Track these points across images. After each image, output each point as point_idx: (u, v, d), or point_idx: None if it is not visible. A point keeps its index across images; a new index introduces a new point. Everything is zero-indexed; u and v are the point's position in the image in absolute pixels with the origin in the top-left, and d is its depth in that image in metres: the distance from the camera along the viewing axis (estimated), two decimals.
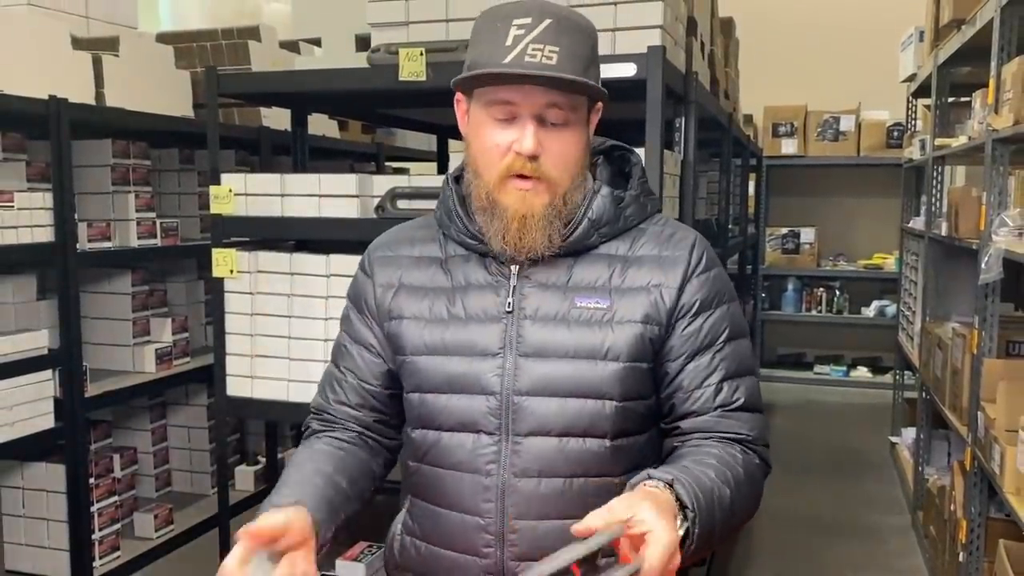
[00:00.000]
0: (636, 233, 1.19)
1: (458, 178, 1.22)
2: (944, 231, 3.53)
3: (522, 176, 1.11)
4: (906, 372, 4.93)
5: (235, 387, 2.49)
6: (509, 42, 1.07)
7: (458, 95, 1.18)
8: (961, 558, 2.80)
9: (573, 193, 1.15)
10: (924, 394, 3.92)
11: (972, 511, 2.72)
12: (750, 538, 3.79)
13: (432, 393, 1.17)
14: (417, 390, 1.19)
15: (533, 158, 1.10)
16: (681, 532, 0.96)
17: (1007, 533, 2.49)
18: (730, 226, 4.29)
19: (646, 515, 0.91)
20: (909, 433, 4.36)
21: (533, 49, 1.06)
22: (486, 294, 1.16)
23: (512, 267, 1.16)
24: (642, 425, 1.17)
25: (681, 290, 1.15)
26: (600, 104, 1.19)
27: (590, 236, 1.16)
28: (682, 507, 0.98)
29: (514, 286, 1.15)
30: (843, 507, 4.14)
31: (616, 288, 1.15)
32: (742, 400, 1.15)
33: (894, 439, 4.88)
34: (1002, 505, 2.49)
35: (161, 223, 3.52)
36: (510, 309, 1.14)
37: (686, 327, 1.15)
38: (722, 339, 1.16)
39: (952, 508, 3.06)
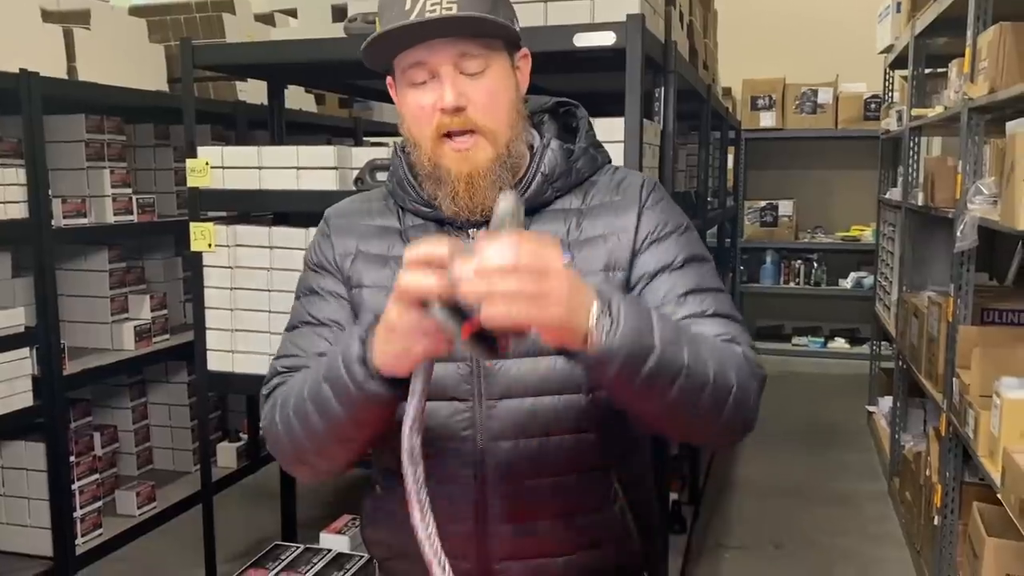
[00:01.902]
0: (587, 186, 1.19)
1: (406, 148, 1.19)
2: (920, 201, 3.56)
3: (455, 134, 1.09)
4: (883, 342, 4.99)
5: (215, 362, 2.48)
6: (408, 5, 1.05)
7: (388, 79, 1.17)
8: (936, 522, 2.85)
9: (516, 143, 1.13)
10: (900, 363, 3.97)
11: (947, 476, 2.76)
12: (728, 505, 3.84)
13: None
14: None
15: (458, 110, 1.07)
16: (596, 307, 0.89)
17: (981, 496, 2.54)
18: (709, 199, 4.30)
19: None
20: (886, 402, 4.42)
21: (432, 4, 1.04)
22: None
23: (471, 231, 1.15)
24: None
25: (637, 229, 1.15)
26: (526, 50, 1.17)
27: (544, 192, 1.15)
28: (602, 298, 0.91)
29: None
30: (820, 475, 4.20)
31: (575, 241, 1.14)
32: (712, 309, 1.11)
33: (871, 408, 4.95)
34: (976, 469, 2.53)
35: (137, 199, 3.48)
36: None
37: (642, 255, 1.14)
38: (678, 262, 1.13)
39: (928, 473, 3.11)
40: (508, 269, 0.82)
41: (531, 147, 1.17)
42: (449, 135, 1.09)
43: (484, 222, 1.13)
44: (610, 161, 1.25)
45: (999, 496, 2.11)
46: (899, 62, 4.51)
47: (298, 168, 2.32)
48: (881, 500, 3.90)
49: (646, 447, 1.27)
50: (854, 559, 3.32)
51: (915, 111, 3.87)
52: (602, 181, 1.19)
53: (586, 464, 1.14)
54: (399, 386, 0.93)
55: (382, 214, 1.22)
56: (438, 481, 1.13)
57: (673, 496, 3.34)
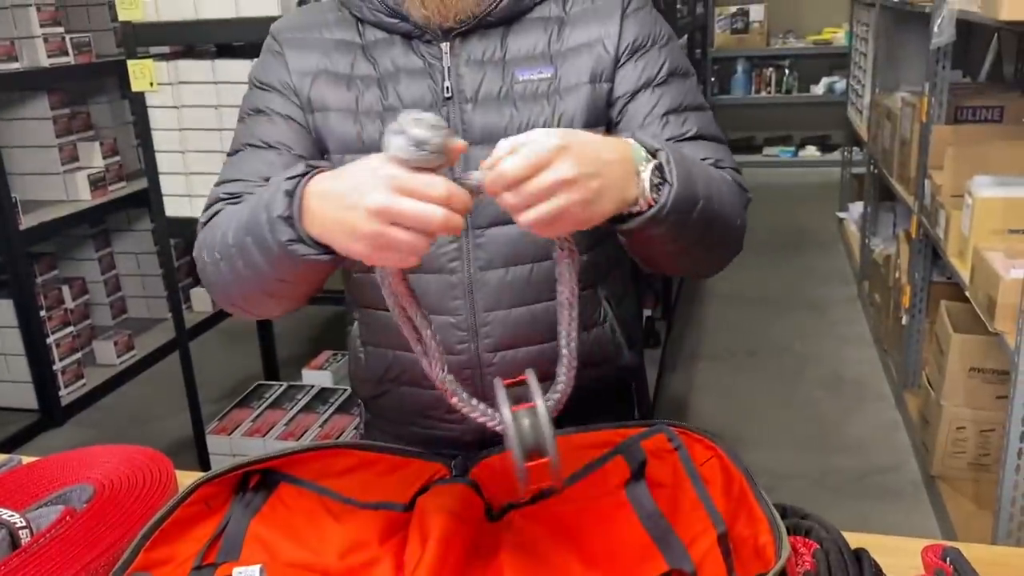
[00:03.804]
0: None
1: None
2: None
3: None
4: (854, 148, 4.96)
5: (173, 207, 2.41)
6: None
7: None
8: (904, 321, 2.93)
9: None
10: (872, 167, 3.95)
11: (916, 276, 2.81)
12: (701, 317, 3.92)
13: None
14: None
15: None
16: (651, 167, 0.84)
17: (948, 295, 2.59)
18: (678, 6, 4.11)
19: (530, 135, 0.78)
20: (856, 207, 4.44)
21: None
22: (420, 80, 1.06)
23: (443, 46, 1.06)
24: None
25: (620, 36, 1.08)
26: None
27: None
28: (651, 154, 0.86)
29: (448, 67, 1.05)
30: (791, 283, 4.28)
31: (557, 53, 1.06)
32: (694, 130, 1.07)
33: (841, 214, 4.98)
34: (944, 269, 2.57)
35: (71, 39, 3.27)
36: (449, 95, 1.05)
37: (624, 68, 1.08)
38: (661, 76, 1.08)
39: (896, 275, 3.16)
40: (557, 184, 0.76)
41: None
42: None
43: (460, 37, 1.05)
44: None
45: (967, 294, 2.14)
46: None
47: None
48: (850, 304, 4.00)
49: (628, 262, 1.25)
50: (824, 361, 3.44)
51: None
52: None
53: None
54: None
55: (339, 26, 1.10)
56: (430, 313, 1.10)
57: (647, 312, 3.39)
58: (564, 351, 0.86)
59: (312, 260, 0.84)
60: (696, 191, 0.87)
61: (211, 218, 1.03)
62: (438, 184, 0.74)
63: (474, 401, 0.88)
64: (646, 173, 0.83)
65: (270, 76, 1.11)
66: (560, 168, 0.75)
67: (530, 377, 0.82)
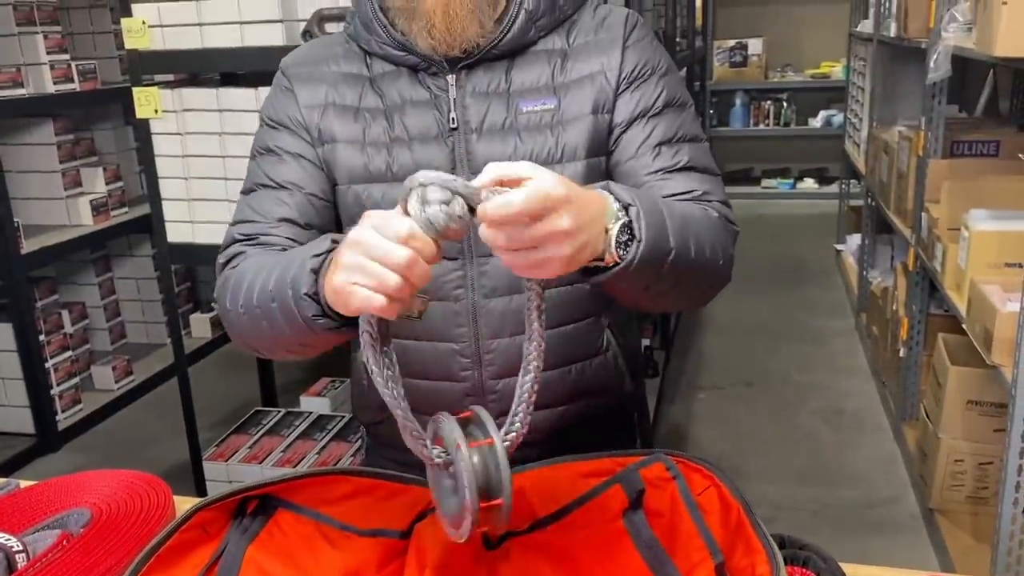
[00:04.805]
0: (570, 24, 1.12)
1: None
2: (893, 32, 3.46)
3: None
4: (852, 180, 4.99)
5: (175, 234, 2.41)
6: None
7: None
8: (901, 353, 2.93)
9: None
10: (869, 200, 3.98)
11: (913, 308, 2.81)
12: (700, 348, 3.92)
13: None
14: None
15: None
16: (619, 225, 0.84)
17: (945, 328, 2.59)
18: (678, 39, 4.17)
19: (541, 173, 0.77)
20: (854, 239, 4.46)
21: None
22: (426, 111, 1.08)
23: (449, 78, 1.08)
24: None
25: (621, 66, 1.09)
26: None
27: (528, 31, 1.08)
28: (624, 207, 0.85)
29: (454, 99, 1.07)
30: (790, 314, 4.28)
31: (560, 85, 1.08)
32: (684, 160, 1.08)
33: (839, 246, 5.00)
34: (942, 302, 2.58)
35: (77, 66, 3.31)
36: (455, 125, 1.07)
37: (622, 96, 1.09)
38: (657, 106, 1.09)
39: (894, 307, 3.17)
40: (556, 233, 0.76)
41: None
42: None
43: (464, 61, 1.06)
44: None
45: (964, 326, 2.15)
46: None
47: (241, 23, 2.18)
48: (848, 335, 4.00)
49: None
50: (822, 392, 3.43)
51: None
52: (584, 19, 1.12)
53: (579, 314, 1.12)
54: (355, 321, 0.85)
55: (347, 60, 1.12)
56: (432, 340, 1.11)
57: (645, 342, 3.39)
58: (525, 391, 0.82)
59: (336, 332, 0.89)
60: (667, 244, 0.87)
61: (229, 259, 1.07)
62: (402, 226, 0.75)
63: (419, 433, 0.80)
64: (614, 231, 0.83)
65: (279, 113, 1.13)
66: (562, 219, 0.76)
67: (483, 413, 0.79)
